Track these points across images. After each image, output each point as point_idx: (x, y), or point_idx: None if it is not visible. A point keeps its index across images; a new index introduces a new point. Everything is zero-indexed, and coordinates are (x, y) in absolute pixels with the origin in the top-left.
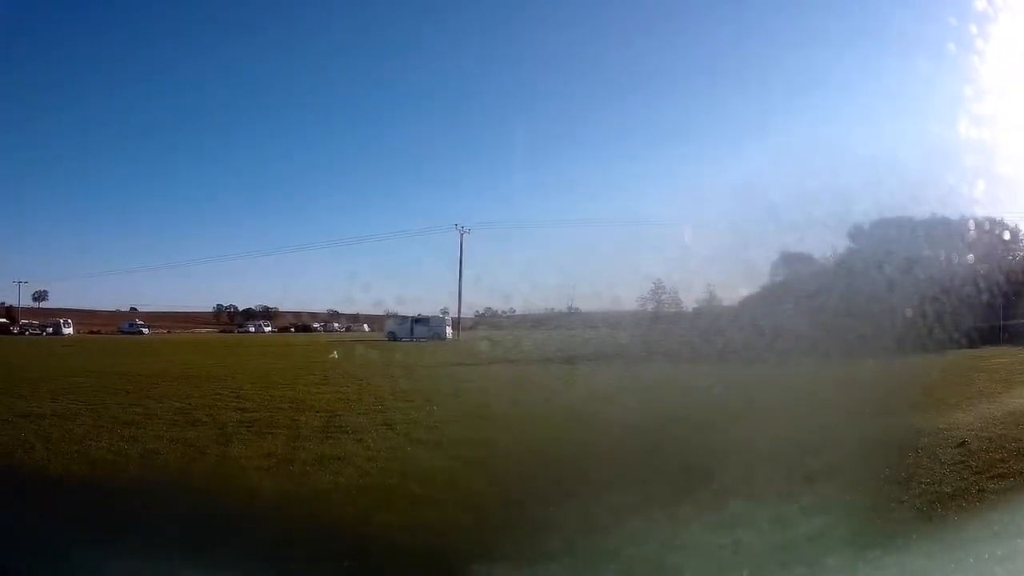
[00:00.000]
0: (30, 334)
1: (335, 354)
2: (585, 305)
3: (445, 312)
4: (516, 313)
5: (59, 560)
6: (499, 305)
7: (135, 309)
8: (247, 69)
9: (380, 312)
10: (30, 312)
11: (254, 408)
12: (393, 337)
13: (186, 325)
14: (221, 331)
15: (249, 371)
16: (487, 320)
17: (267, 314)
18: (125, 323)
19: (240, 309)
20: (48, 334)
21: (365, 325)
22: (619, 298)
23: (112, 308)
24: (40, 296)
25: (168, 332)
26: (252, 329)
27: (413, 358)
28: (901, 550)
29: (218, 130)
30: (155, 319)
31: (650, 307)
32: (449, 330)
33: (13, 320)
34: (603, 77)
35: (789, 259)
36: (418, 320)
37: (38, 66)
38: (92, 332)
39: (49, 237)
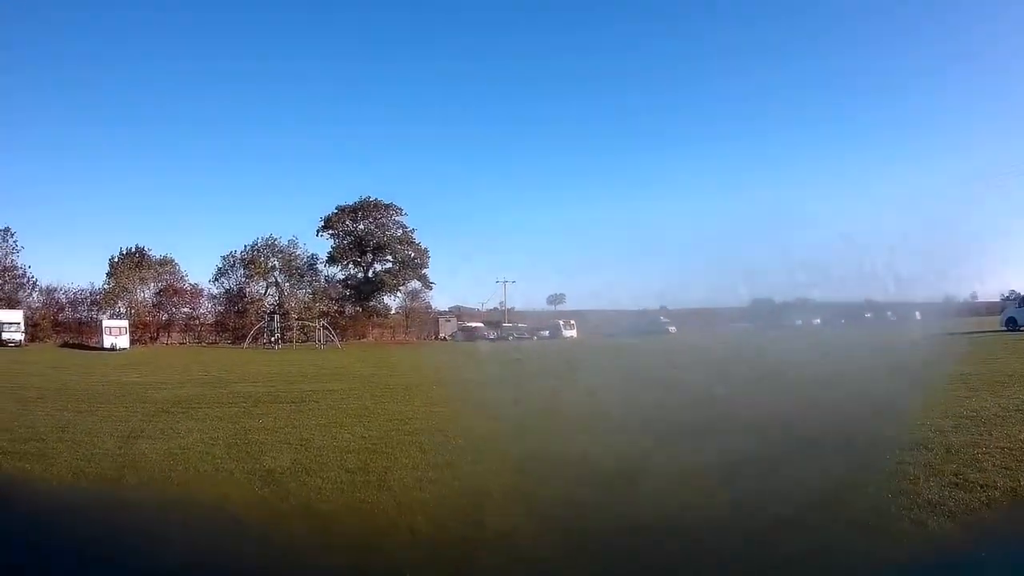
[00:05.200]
0: (514, 339)
1: None
2: None
3: None
4: None
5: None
6: None
7: (664, 308)
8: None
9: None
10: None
11: None
12: (1013, 325)
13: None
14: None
15: None
16: None
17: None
18: (644, 321)
19: (777, 302)
20: (541, 338)
21: (917, 313)
22: None
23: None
24: (556, 299)
25: None
26: (799, 322)
27: None
28: None
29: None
30: (686, 316)
31: None
32: None
33: (496, 324)
34: None
35: None
36: None
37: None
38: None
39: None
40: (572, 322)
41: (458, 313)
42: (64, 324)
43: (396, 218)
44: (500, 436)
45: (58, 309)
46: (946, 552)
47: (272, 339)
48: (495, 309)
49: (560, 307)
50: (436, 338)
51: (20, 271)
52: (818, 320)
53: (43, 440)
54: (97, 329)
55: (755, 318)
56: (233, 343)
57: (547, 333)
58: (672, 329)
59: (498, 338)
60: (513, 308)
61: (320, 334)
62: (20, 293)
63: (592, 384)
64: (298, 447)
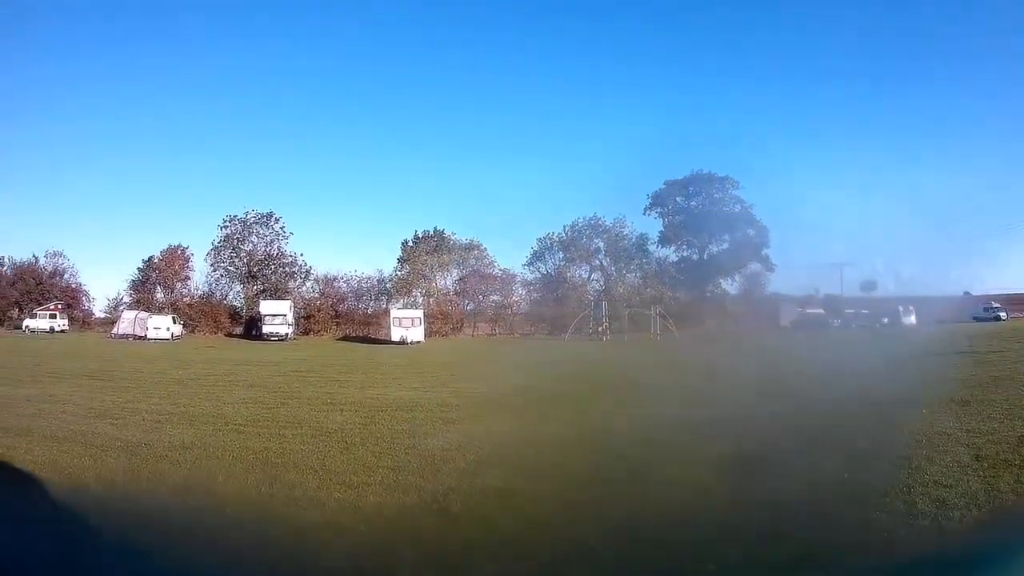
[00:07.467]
0: (857, 326)
1: None
2: None
3: None
4: None
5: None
6: None
7: (967, 293)
8: None
9: None
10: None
11: None
12: None
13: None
14: None
15: None
16: None
17: None
18: (979, 307)
19: None
20: (882, 325)
21: None
22: None
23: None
24: (869, 286)
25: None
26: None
27: None
28: None
29: None
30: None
31: None
32: None
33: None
34: None
35: None
36: None
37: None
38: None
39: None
40: (911, 308)
41: (802, 300)
42: (346, 315)
43: (732, 192)
44: None
45: (338, 299)
46: None
47: (600, 328)
48: (810, 296)
49: (873, 294)
50: (780, 326)
51: (289, 258)
52: None
53: None
54: (385, 321)
55: None
56: (550, 333)
57: (886, 320)
58: (1003, 315)
59: (842, 326)
60: (835, 294)
61: (655, 322)
62: (290, 283)
63: None
64: None
